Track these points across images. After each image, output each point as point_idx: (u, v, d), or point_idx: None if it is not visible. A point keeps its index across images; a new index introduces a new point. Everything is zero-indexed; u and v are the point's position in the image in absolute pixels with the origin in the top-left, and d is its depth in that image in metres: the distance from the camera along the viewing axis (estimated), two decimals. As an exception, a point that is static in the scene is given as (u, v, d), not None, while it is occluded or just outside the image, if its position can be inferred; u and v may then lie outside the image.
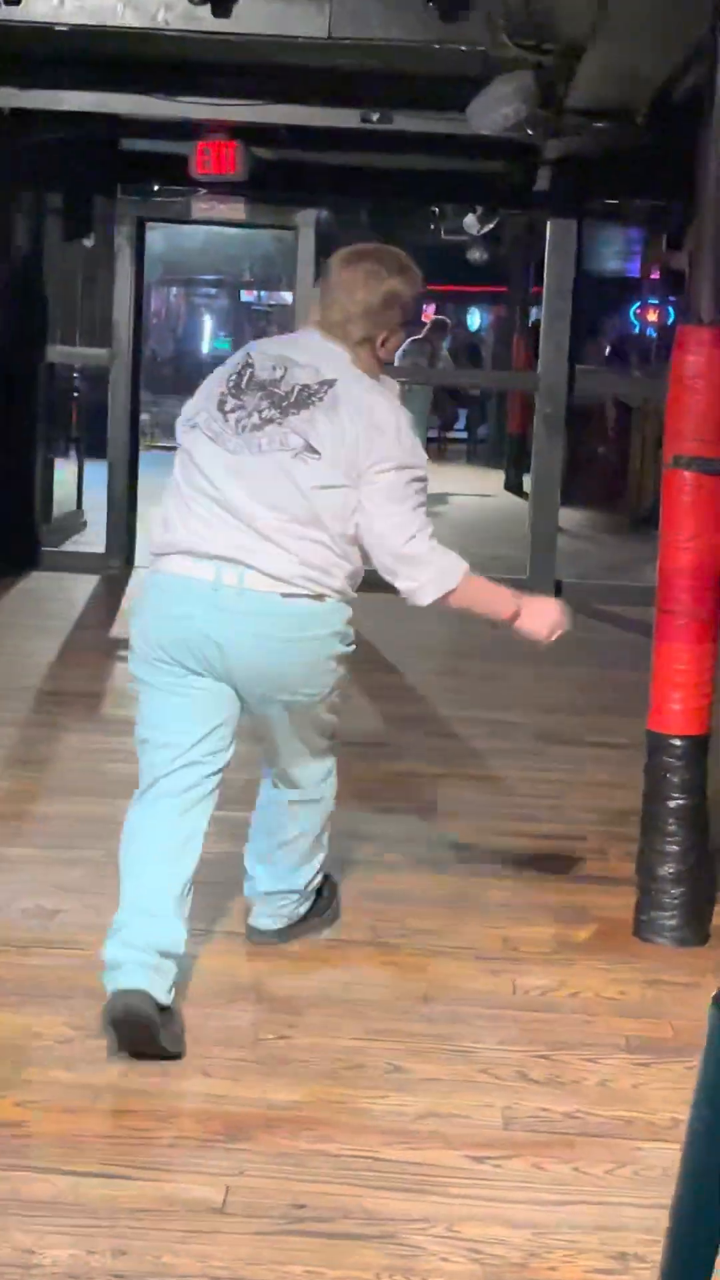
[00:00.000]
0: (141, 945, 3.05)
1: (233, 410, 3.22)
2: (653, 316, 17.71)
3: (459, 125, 6.82)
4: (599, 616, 8.20)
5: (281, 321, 21.96)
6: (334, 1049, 3.15)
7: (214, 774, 3.22)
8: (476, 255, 13.07)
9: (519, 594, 3.37)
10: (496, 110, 6.45)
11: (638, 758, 3.91)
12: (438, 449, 18.81)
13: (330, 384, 3.22)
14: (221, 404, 3.24)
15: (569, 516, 10.91)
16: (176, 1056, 3.03)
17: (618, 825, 4.62)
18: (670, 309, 17.03)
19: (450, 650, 7.30)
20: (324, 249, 10.07)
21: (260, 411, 3.21)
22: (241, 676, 3.19)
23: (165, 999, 3.05)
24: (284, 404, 3.21)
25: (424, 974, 3.58)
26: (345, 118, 7.58)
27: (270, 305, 22.88)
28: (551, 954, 3.73)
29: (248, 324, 23.61)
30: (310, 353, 3.28)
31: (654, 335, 17.56)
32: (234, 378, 3.27)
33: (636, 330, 18.48)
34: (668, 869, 3.81)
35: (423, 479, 3.23)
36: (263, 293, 23.36)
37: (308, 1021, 3.28)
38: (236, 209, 8.88)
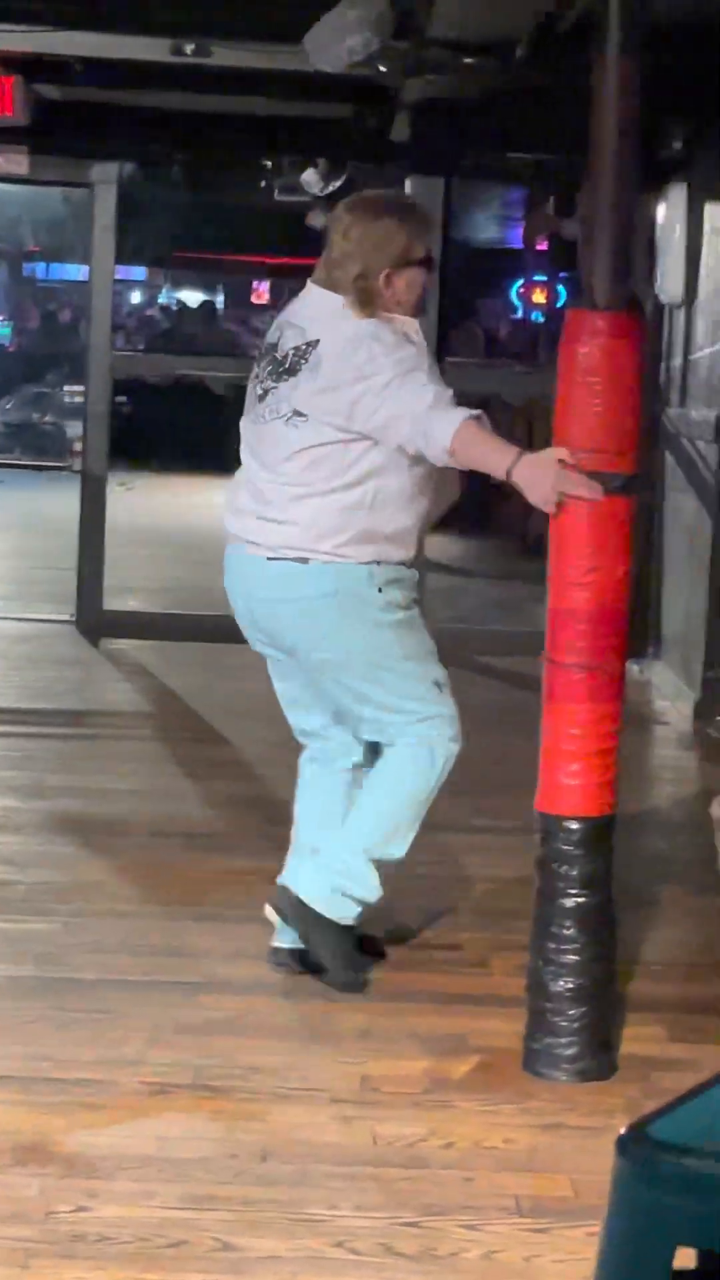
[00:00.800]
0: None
1: (256, 381, 4.19)
2: (539, 297, 18.01)
3: (295, 60, 6.90)
4: (480, 670, 8.28)
5: (75, 300, 21.95)
6: (148, 1222, 3.13)
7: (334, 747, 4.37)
8: (319, 220, 13.17)
9: (522, 450, 3.83)
10: (340, 42, 6.52)
11: (528, 846, 3.95)
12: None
13: (314, 344, 4.07)
14: (254, 376, 4.20)
15: (439, 545, 11.03)
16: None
17: (503, 931, 4.65)
18: (561, 288, 17.34)
19: (292, 714, 7.31)
20: (129, 211, 10.10)
21: (265, 381, 4.16)
22: (273, 640, 4.22)
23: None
24: (280, 371, 4.12)
25: (262, 1124, 3.57)
26: (153, 49, 7.62)
27: (61, 281, 22.86)
28: (421, 1095, 3.74)
29: (32, 303, 23.57)
30: (305, 311, 4.15)
31: (541, 320, 17.85)
32: (263, 348, 4.21)
33: (519, 314, 18.78)
34: (565, 985, 3.85)
35: (414, 358, 4.00)
36: (51, 265, 23.33)
37: (114, 1188, 3.25)
38: (16, 161, 8.87)
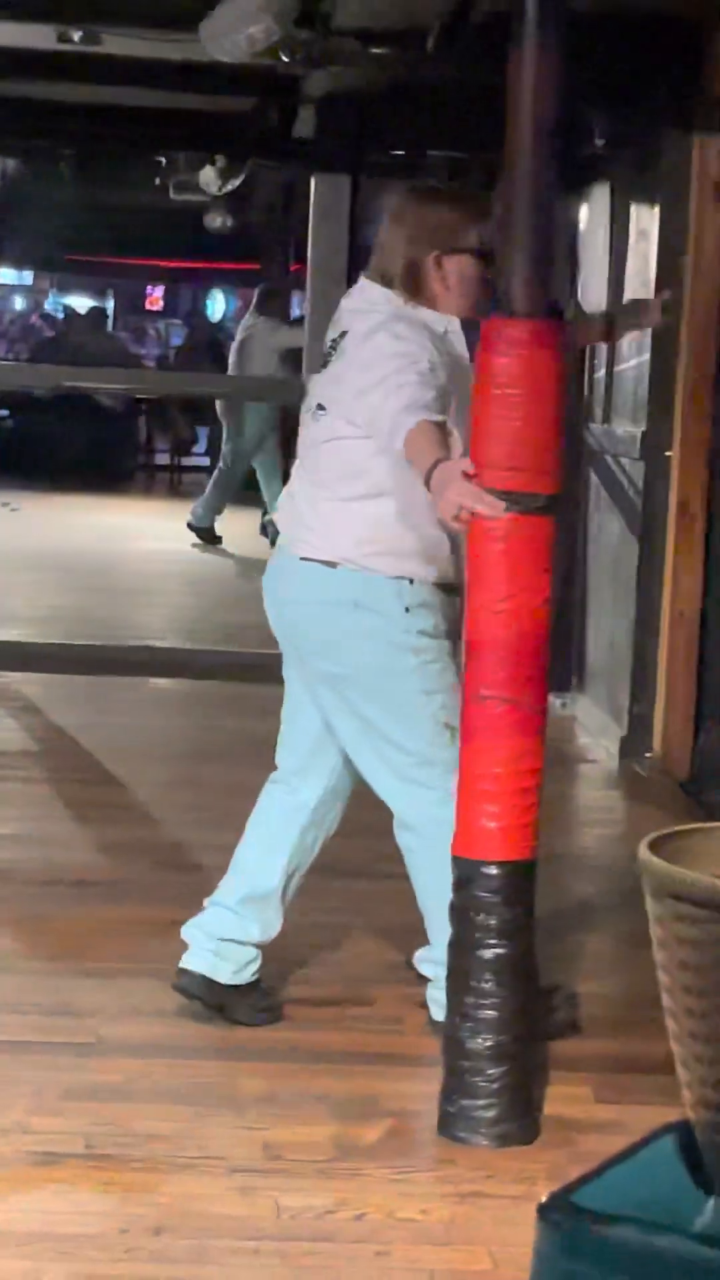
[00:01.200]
0: (208, 932, 4.41)
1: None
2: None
3: (191, 49, 6.91)
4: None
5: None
6: (33, 1306, 3.11)
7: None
8: (217, 221, 13.20)
9: (441, 459, 3.85)
10: (240, 30, 6.53)
11: (441, 893, 3.95)
12: (169, 480, 18.90)
13: (343, 335, 4.22)
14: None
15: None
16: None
17: (417, 985, 4.65)
18: (476, 295, 17.41)
19: (187, 752, 7.30)
20: (12, 210, 10.06)
21: (315, 379, 4.34)
22: (288, 644, 4.38)
23: (227, 980, 4.39)
24: (321, 367, 4.29)
25: (156, 1196, 3.55)
26: (38, 36, 7.61)
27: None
28: (329, 1163, 3.73)
29: None
30: (347, 303, 4.32)
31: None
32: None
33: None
34: (484, 1042, 3.85)
35: (416, 354, 4.06)
36: None
37: (-4, 1269, 3.23)
38: None
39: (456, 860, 3.89)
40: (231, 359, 13.74)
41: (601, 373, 8.15)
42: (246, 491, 14.88)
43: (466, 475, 3.76)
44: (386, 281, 4.24)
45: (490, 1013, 3.86)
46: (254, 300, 13.87)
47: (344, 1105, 4.00)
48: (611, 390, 7.99)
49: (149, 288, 25.24)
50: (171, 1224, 3.44)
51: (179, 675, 8.63)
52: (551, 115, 3.76)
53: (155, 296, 25.43)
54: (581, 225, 8.38)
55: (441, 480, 3.78)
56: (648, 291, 7.14)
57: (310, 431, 4.29)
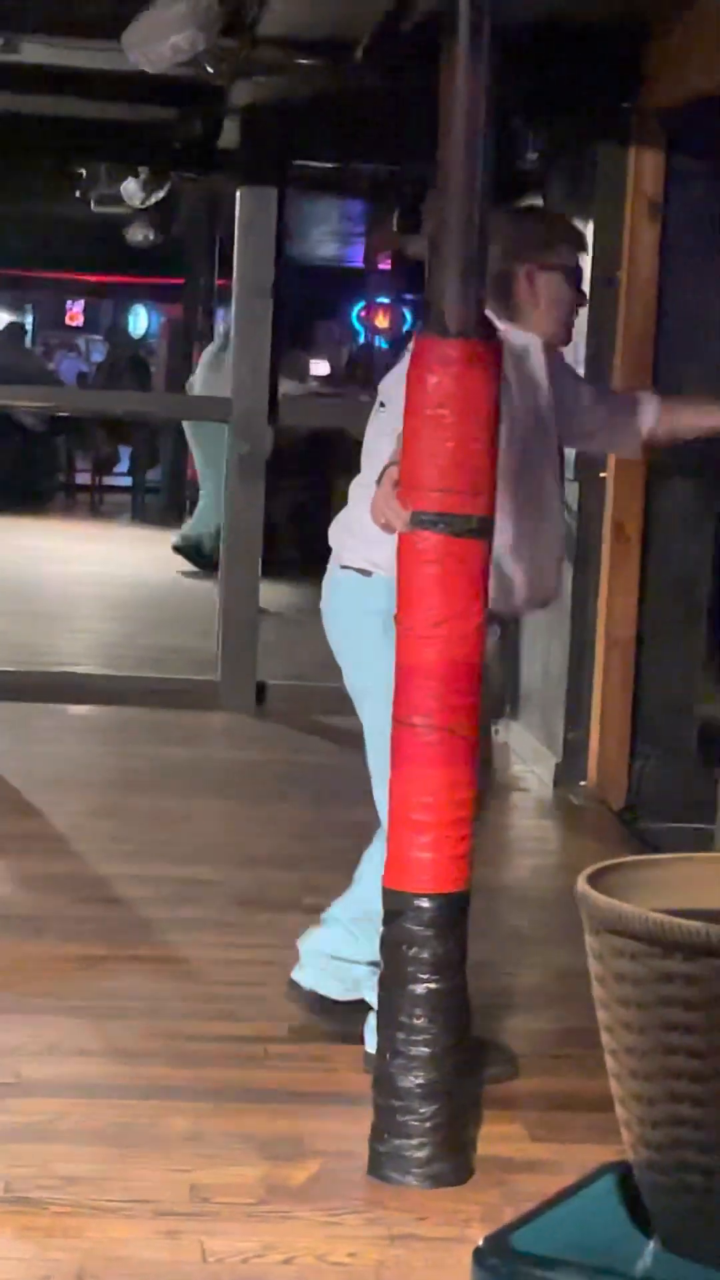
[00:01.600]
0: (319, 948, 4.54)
1: None
2: (382, 321, 18.13)
3: (113, 59, 6.90)
4: (320, 732, 8.29)
5: None
6: None
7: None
8: (140, 235, 13.18)
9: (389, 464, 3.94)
10: (164, 39, 6.52)
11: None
12: (90, 501, 18.85)
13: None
14: None
15: (275, 594, 11.05)
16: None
17: (347, 1021, 4.64)
18: (406, 311, 17.48)
19: (109, 781, 7.27)
20: None
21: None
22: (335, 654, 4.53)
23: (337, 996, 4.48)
24: None
25: (79, 1240, 3.53)
26: (-46, 43, 7.58)
27: None
28: (256, 1205, 3.72)
29: None
30: None
31: (385, 346, 17.96)
32: None
33: (361, 339, 18.90)
34: (415, 1080, 3.85)
35: None
36: None
37: None
38: None
39: (387, 893, 3.88)
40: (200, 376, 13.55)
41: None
42: (174, 510, 14.85)
43: (394, 484, 3.81)
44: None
45: (422, 1049, 3.85)
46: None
47: (272, 1145, 3.98)
48: (545, 409, 8.01)
49: (69, 302, 25.19)
50: (95, 1270, 3.42)
51: (100, 702, 8.59)
52: (483, 127, 3.76)
53: (75, 312, 25.37)
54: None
55: (381, 480, 3.89)
56: (581, 311, 7.17)
57: (368, 429, 4.37)
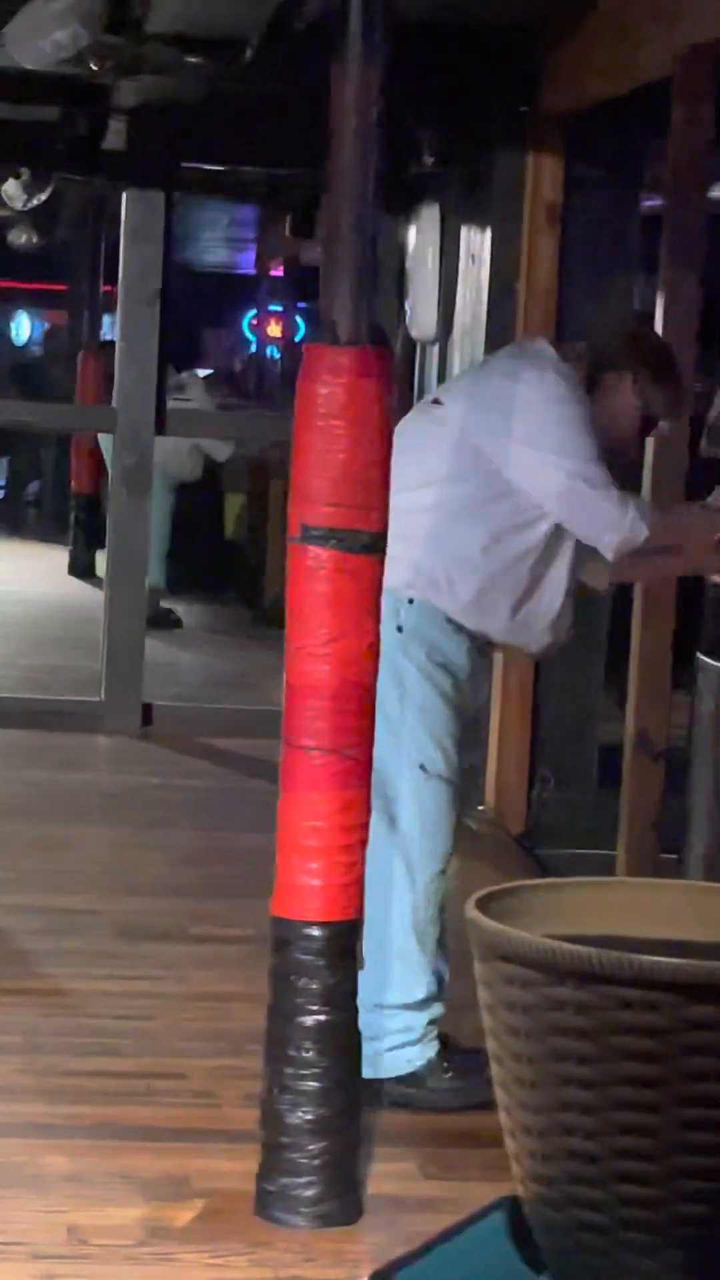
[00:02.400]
0: None
1: None
2: (274, 329, 18.14)
3: (-7, 54, 6.87)
4: (207, 754, 8.27)
5: None
6: None
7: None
8: (22, 238, 13.15)
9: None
10: (45, 35, 6.50)
11: (263, 956, 3.95)
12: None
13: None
14: None
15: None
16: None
17: (234, 1056, 4.64)
18: (299, 320, 17.50)
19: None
20: None
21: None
22: None
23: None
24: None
25: (-49, 1287, 3.50)
26: None
27: None
28: (137, 1248, 3.71)
29: None
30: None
31: (277, 355, 17.98)
32: None
33: (253, 348, 18.91)
34: (304, 1116, 3.84)
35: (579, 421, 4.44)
36: None
37: None
38: None
39: (276, 921, 3.88)
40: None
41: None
42: (57, 524, 14.76)
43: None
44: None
45: (311, 1084, 3.85)
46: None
47: (154, 1185, 3.97)
48: (441, 422, 8.03)
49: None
50: (-33, 1316, 3.39)
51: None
52: (376, 131, 3.78)
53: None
54: (409, 248, 8.44)
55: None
56: (478, 322, 7.22)
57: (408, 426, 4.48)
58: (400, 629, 4.36)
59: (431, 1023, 4.45)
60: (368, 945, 3.96)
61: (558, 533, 4.44)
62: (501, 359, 4.67)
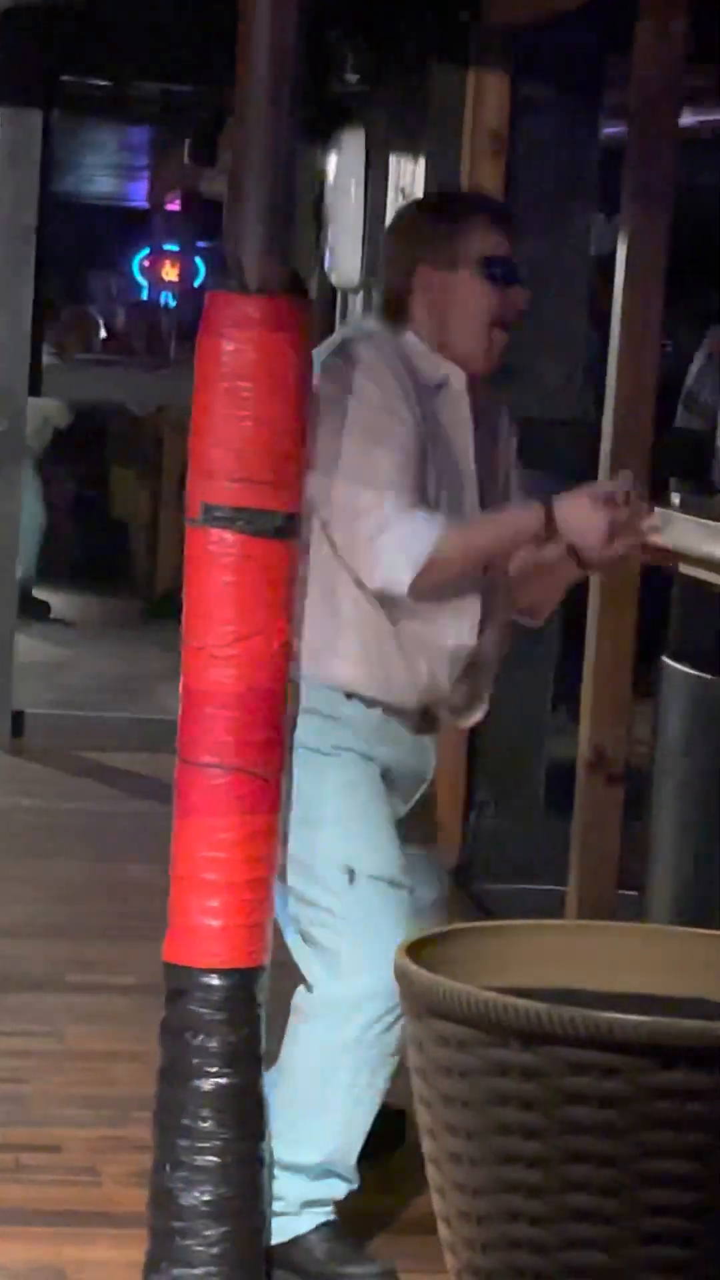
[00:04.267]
0: None
1: None
2: (170, 273, 18.09)
3: None
4: (89, 772, 8.26)
5: None
6: None
7: None
8: None
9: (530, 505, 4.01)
10: None
11: (154, 1009, 3.94)
12: None
13: None
14: None
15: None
16: None
17: (119, 1125, 4.64)
18: (200, 262, 17.46)
19: None
20: None
21: None
22: None
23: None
24: None
25: None
26: None
27: None
28: (6, 1351, 3.70)
29: None
30: None
31: (172, 303, 17.93)
32: None
33: (145, 294, 18.86)
34: (201, 1196, 3.84)
35: (374, 408, 3.98)
36: None
37: None
38: None
39: (169, 968, 3.88)
40: None
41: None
42: None
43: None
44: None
45: (210, 1158, 3.84)
46: None
47: (23, 1276, 3.96)
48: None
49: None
50: None
51: None
52: (292, 41, 3.78)
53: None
54: (330, 179, 8.44)
55: (577, 511, 3.97)
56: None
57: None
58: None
59: (314, 1204, 4.05)
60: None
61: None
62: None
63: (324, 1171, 4.02)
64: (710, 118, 10.17)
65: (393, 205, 7.63)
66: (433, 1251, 2.99)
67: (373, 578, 3.96)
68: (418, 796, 4.28)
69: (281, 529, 3.82)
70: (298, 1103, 3.99)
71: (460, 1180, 2.68)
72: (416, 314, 4.12)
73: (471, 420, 4.13)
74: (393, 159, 7.69)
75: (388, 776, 4.14)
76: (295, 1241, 4.02)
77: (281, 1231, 4.00)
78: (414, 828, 4.26)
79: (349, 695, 4.07)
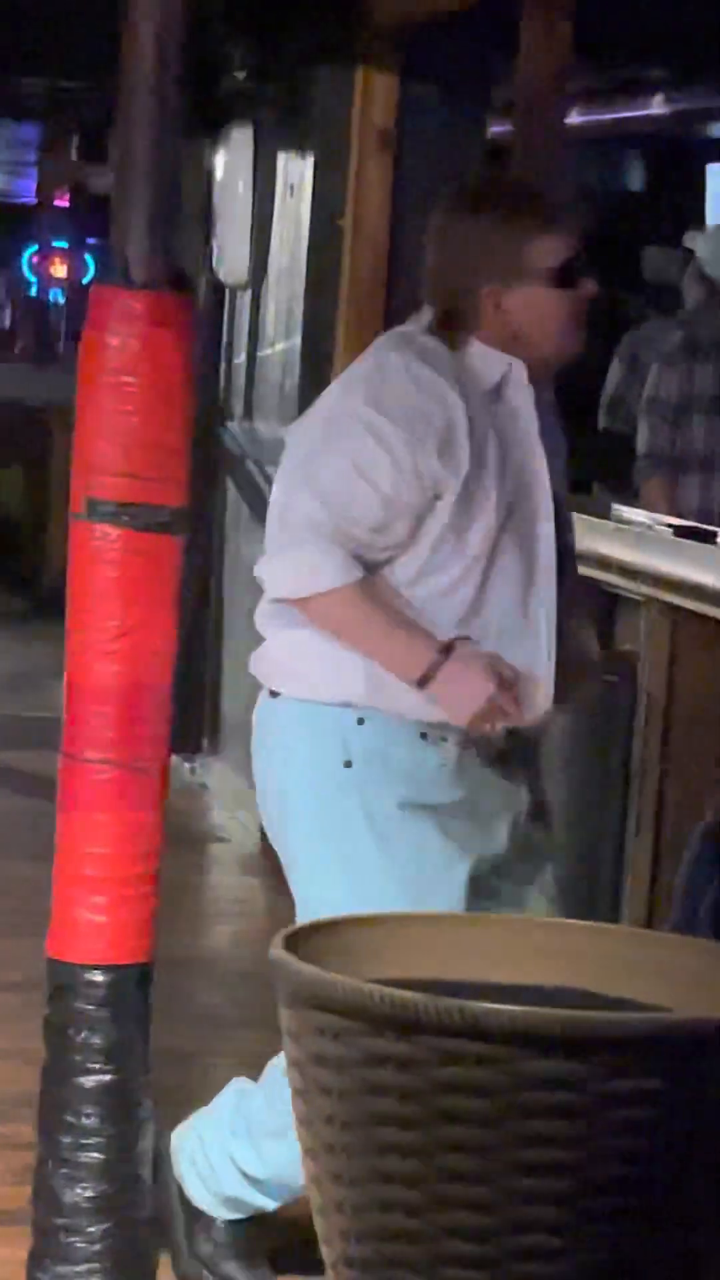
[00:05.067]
0: None
1: None
2: (59, 269, 18.05)
3: None
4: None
5: None
6: None
7: None
8: None
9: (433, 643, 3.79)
10: None
11: (36, 1006, 3.94)
12: None
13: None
14: None
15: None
16: None
17: (3, 1122, 4.65)
18: (89, 258, 17.44)
19: None
20: None
21: None
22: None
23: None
24: None
25: None
26: None
27: None
28: None
29: None
30: None
31: (61, 300, 17.90)
32: None
33: (34, 291, 18.81)
34: (84, 1193, 3.84)
35: (353, 421, 3.80)
36: None
37: None
38: None
39: (52, 964, 3.87)
40: None
41: (242, 358, 8.22)
42: None
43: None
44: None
45: (93, 1155, 3.84)
46: None
47: None
48: (254, 380, 8.06)
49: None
50: None
51: None
52: (179, 37, 3.78)
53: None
54: (218, 176, 8.44)
55: (460, 678, 3.76)
56: (297, 263, 7.23)
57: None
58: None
59: (236, 1204, 4.12)
60: None
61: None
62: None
63: (263, 1184, 4.05)
64: (596, 117, 10.25)
65: (281, 202, 7.64)
66: (309, 1244, 3.00)
67: (269, 574, 3.87)
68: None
69: (167, 523, 3.82)
70: (268, 1123, 3.98)
71: (336, 1171, 2.69)
72: (482, 324, 3.86)
73: (536, 415, 3.91)
74: (281, 156, 7.71)
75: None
76: (202, 1217, 4.13)
77: (200, 1200, 4.12)
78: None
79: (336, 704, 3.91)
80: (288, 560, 3.83)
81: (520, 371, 3.88)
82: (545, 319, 3.89)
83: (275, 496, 3.90)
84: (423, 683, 3.76)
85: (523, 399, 3.89)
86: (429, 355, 3.84)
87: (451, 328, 3.88)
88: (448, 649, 3.77)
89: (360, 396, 3.84)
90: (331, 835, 3.89)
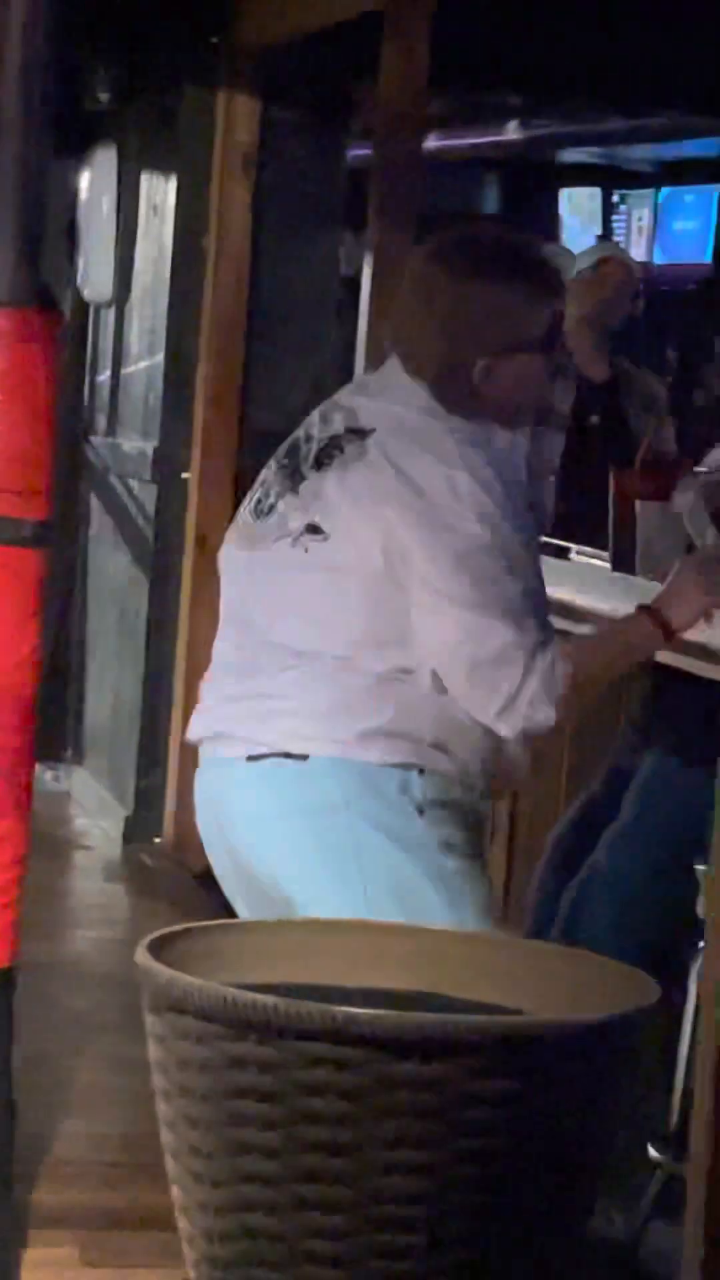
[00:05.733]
0: None
1: (255, 496, 3.86)
2: None
3: None
4: None
5: None
6: None
7: None
8: None
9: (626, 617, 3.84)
10: None
11: None
12: None
13: (361, 434, 3.68)
14: (253, 492, 3.88)
15: None
16: None
17: None
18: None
19: None
20: None
21: (276, 485, 3.79)
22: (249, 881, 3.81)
23: None
24: (300, 468, 3.75)
25: None
26: None
27: None
28: None
29: None
30: (371, 392, 3.83)
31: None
32: (281, 449, 3.84)
33: None
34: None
35: (486, 546, 3.59)
36: None
37: None
38: None
39: None
40: None
41: (105, 375, 8.20)
42: None
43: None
44: (416, 374, 3.75)
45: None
46: None
47: None
48: (118, 396, 8.04)
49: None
50: None
51: None
52: (43, 56, 3.77)
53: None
54: (83, 195, 8.42)
55: (682, 594, 3.77)
56: (161, 282, 7.22)
57: (283, 564, 3.78)
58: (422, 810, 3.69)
59: None
60: None
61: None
62: (384, 439, 3.69)
63: None
64: (453, 142, 10.30)
65: (145, 221, 7.63)
66: (173, 1244, 2.99)
67: (512, 708, 3.60)
68: None
69: (30, 537, 3.79)
70: None
71: (199, 1171, 2.69)
72: (477, 398, 3.73)
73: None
74: (144, 177, 7.70)
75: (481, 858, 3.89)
76: None
77: None
78: None
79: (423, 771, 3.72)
80: (524, 700, 3.59)
81: (522, 442, 4.00)
82: (529, 386, 3.83)
83: (447, 640, 3.62)
84: (669, 635, 3.77)
85: (521, 455, 4.05)
86: (479, 445, 3.68)
87: (454, 400, 3.72)
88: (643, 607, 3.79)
89: (474, 521, 3.60)
90: (404, 893, 3.62)
